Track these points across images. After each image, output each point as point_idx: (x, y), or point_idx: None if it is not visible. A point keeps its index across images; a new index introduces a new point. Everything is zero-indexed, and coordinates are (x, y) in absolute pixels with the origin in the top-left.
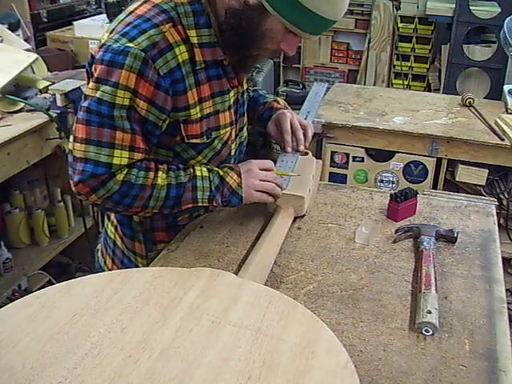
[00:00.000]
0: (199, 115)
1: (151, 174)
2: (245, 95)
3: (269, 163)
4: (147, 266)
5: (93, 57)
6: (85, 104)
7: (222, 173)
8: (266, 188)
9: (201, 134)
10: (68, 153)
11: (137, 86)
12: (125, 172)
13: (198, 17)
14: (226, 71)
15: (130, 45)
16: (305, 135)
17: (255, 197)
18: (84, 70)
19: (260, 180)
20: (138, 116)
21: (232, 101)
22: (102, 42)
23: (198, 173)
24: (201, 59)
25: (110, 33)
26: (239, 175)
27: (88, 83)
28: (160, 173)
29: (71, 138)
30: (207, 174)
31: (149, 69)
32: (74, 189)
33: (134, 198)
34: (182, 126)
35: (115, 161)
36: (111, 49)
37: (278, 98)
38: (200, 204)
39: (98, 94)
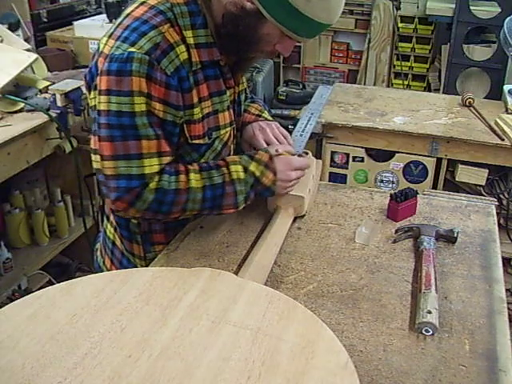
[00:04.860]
0: (200, 115)
1: (182, 177)
2: (242, 95)
3: (305, 164)
4: (146, 267)
5: (91, 69)
6: (103, 121)
7: (258, 174)
8: (294, 187)
9: (203, 134)
10: (97, 172)
11: (149, 90)
12: (156, 180)
13: (195, 17)
14: (223, 72)
15: (133, 50)
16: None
17: (284, 193)
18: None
19: (293, 180)
20: (156, 119)
21: (230, 101)
22: (106, 52)
23: (234, 175)
24: (197, 60)
25: (109, 37)
26: (275, 173)
27: (89, 94)
28: (192, 174)
29: (97, 157)
30: (243, 177)
31: (155, 71)
32: (111, 206)
33: (171, 204)
34: (185, 126)
35: (147, 170)
36: (115, 58)
37: (251, 107)
38: (239, 207)
39: (115, 107)
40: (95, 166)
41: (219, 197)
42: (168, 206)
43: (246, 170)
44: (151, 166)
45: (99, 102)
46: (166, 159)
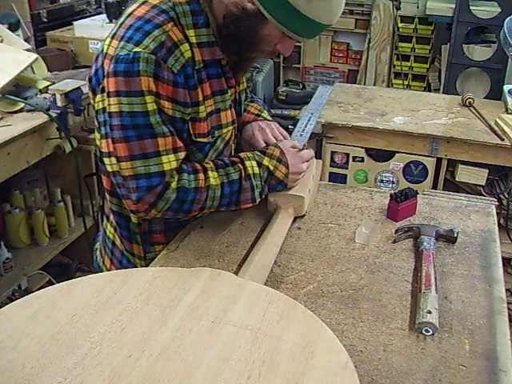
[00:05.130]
0: (205, 113)
1: (201, 176)
2: (242, 95)
3: (312, 155)
4: (145, 267)
5: (96, 72)
6: (116, 122)
7: (272, 168)
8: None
9: (208, 132)
10: (113, 175)
11: (157, 89)
12: (177, 179)
13: (197, 16)
14: (224, 71)
15: (138, 49)
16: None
17: (293, 186)
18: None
19: (302, 172)
20: (166, 117)
21: (231, 100)
22: (110, 53)
23: (249, 170)
24: (199, 59)
25: (112, 37)
26: (287, 166)
27: (95, 97)
28: (209, 172)
29: (112, 159)
30: (258, 171)
31: (162, 69)
32: (132, 208)
33: (192, 203)
34: (189, 123)
35: (166, 167)
36: (121, 58)
37: (250, 106)
38: (256, 202)
39: (127, 108)
40: (110, 168)
41: (236, 193)
42: (189, 204)
43: (260, 164)
44: (169, 162)
45: (109, 104)
46: (182, 154)
